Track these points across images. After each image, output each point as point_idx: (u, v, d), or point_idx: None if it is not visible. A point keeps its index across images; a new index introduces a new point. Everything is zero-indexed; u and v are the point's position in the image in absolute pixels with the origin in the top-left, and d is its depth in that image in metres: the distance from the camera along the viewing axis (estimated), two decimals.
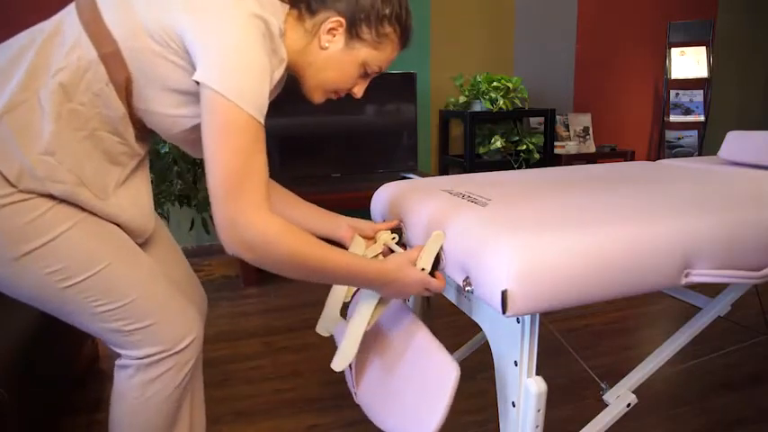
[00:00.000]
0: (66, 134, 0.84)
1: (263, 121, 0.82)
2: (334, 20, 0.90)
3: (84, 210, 0.89)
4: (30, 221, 0.83)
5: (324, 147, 2.94)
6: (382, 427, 0.99)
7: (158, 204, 2.45)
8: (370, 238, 1.13)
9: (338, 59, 0.93)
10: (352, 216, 1.15)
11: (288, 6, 0.92)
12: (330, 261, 0.85)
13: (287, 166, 2.85)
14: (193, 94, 0.87)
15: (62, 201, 0.86)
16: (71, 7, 0.87)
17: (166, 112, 0.90)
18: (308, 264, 0.83)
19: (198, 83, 0.80)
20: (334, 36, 0.92)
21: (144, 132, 0.95)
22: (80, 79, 0.84)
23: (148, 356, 0.93)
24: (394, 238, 1.11)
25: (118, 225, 0.94)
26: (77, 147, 0.86)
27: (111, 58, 0.84)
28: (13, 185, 0.82)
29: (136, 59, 0.84)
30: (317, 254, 0.84)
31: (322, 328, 1.11)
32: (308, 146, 2.90)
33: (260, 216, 0.79)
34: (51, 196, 0.85)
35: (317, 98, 0.99)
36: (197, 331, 0.98)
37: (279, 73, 0.88)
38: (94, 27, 0.83)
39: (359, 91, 1.01)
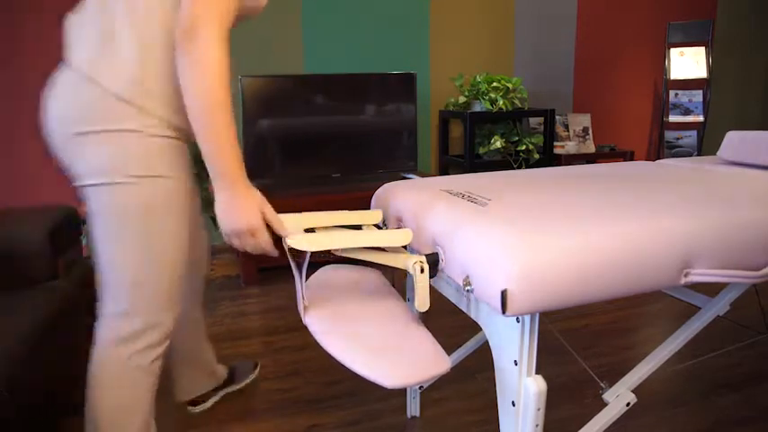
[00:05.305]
0: None
1: None
2: None
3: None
4: (149, 153, 0.97)
5: (324, 147, 2.94)
6: (337, 354, 0.93)
7: None
8: None
9: None
10: None
11: None
12: (227, 112, 0.90)
13: (287, 167, 2.85)
14: None
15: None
16: None
17: None
18: (216, 88, 0.88)
19: None
20: None
21: None
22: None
23: (115, 314, 1.05)
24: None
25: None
26: None
27: None
28: (166, 127, 0.98)
29: None
30: (226, 96, 0.89)
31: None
32: (309, 146, 2.90)
33: (215, 29, 0.87)
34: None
35: None
36: (168, 326, 1.10)
37: None
38: None
39: None
